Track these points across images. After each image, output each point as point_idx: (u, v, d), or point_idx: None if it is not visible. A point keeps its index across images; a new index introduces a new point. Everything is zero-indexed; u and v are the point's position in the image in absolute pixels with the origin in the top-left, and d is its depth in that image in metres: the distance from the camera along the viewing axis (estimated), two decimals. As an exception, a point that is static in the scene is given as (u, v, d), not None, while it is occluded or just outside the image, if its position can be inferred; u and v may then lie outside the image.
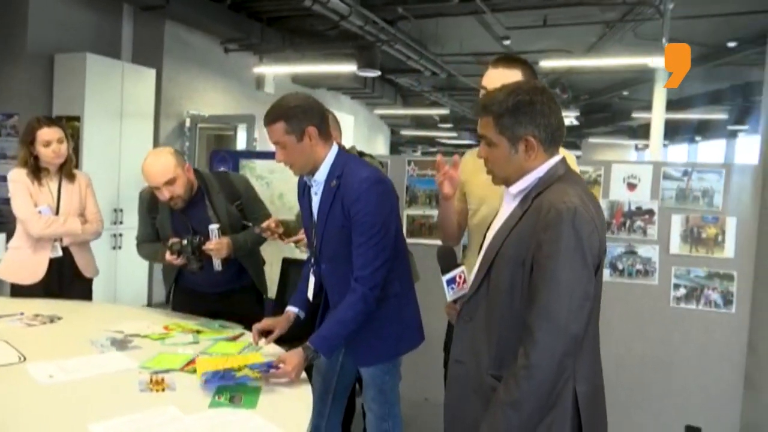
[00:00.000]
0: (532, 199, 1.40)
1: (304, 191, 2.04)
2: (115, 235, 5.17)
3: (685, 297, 2.93)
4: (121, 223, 5.24)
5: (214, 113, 6.86)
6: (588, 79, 11.16)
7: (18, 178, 2.73)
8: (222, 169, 3.89)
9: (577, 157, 2.17)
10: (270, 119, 1.85)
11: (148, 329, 2.22)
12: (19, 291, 2.71)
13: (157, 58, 5.96)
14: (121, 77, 5.38)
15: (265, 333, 1.99)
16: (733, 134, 13.21)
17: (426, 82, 10.31)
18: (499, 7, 6.28)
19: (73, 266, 2.80)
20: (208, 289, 2.51)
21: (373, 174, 1.88)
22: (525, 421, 1.31)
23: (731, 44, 8.06)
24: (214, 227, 2.32)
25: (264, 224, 2.34)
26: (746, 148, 13.26)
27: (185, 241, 2.30)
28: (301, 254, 2.70)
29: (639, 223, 3.00)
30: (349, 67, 7.25)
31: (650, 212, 2.99)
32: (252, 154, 4.66)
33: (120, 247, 5.24)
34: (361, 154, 2.58)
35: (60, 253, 2.76)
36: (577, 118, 12.21)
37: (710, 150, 15.40)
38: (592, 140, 16.06)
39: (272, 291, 2.86)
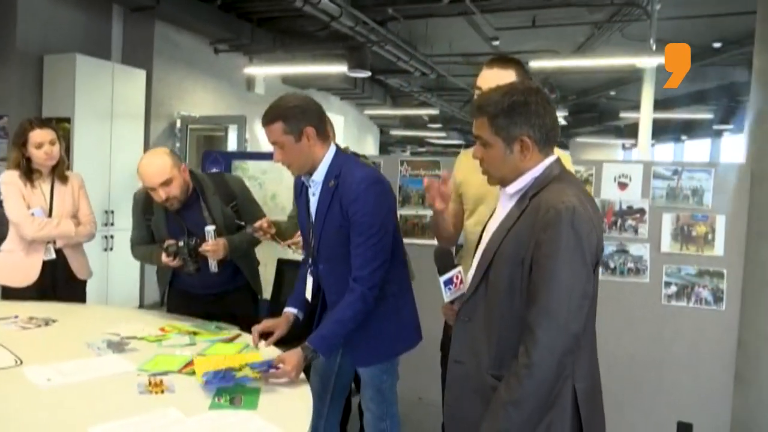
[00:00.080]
0: (530, 199, 1.41)
1: (301, 192, 2.04)
2: (106, 237, 5.14)
3: (676, 295, 2.97)
4: (112, 224, 5.22)
5: (204, 114, 6.84)
6: (576, 80, 11.25)
7: (10, 180, 2.71)
8: (214, 170, 3.88)
9: (567, 157, 2.19)
10: (268, 119, 1.85)
11: (144, 331, 2.21)
12: (12, 294, 2.69)
13: (147, 58, 5.93)
14: (111, 78, 5.35)
15: (265, 335, 1.99)
16: (719, 133, 13.38)
17: (415, 82, 10.34)
18: (488, 8, 6.32)
19: (66, 268, 2.78)
20: (203, 291, 2.51)
21: (371, 174, 1.89)
22: (526, 419, 1.33)
23: (716, 45, 8.16)
24: (210, 228, 2.32)
25: (256, 224, 2.34)
26: (731, 147, 13.44)
27: (181, 243, 2.29)
28: (294, 255, 2.71)
29: (630, 221, 3.04)
30: (339, 68, 7.25)
31: (641, 211, 3.03)
32: (244, 155, 4.66)
33: (111, 249, 5.21)
34: (354, 155, 2.59)
35: (53, 256, 2.74)
36: (565, 118, 12.30)
37: (696, 149, 15.58)
38: (579, 140, 16.18)
39: (267, 291, 2.86)
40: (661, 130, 13.41)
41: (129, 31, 5.92)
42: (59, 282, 2.76)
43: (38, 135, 2.71)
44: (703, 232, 2.92)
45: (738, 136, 12.24)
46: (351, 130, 11.89)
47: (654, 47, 6.52)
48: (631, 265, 3.03)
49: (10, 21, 4.83)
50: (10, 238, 2.76)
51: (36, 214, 2.70)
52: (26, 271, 2.71)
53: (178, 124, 6.45)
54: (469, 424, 1.45)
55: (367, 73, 7.49)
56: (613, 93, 12.01)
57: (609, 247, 3.02)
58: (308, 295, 2.05)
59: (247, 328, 2.27)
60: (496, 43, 7.92)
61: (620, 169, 3.11)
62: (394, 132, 16.41)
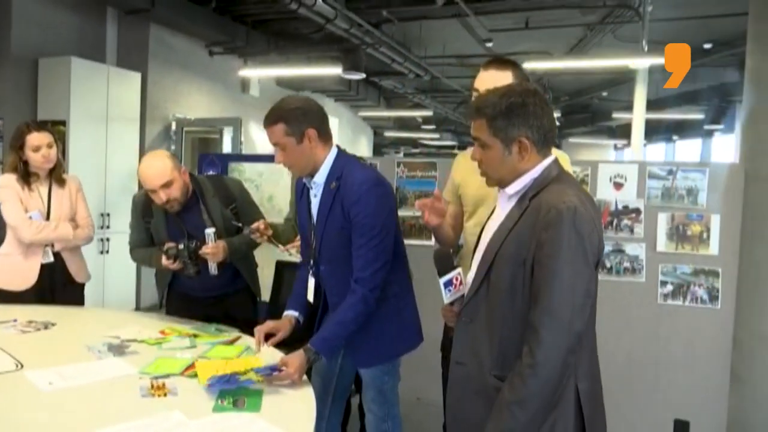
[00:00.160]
0: (530, 200, 1.41)
1: (302, 194, 2.04)
2: (102, 240, 5.13)
3: (671, 293, 2.99)
4: (108, 227, 5.22)
5: (199, 116, 6.83)
6: (568, 81, 11.32)
7: (8, 183, 2.70)
8: (211, 172, 3.89)
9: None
10: (270, 121, 1.86)
11: (143, 334, 2.21)
12: (10, 297, 2.68)
13: (142, 61, 5.92)
14: (107, 81, 5.34)
15: (267, 336, 1.99)
16: (709, 133, 13.48)
17: (410, 84, 10.37)
18: (481, 10, 6.34)
19: (65, 272, 2.77)
20: (203, 293, 2.51)
21: (373, 176, 1.90)
22: (531, 419, 1.33)
23: (707, 46, 8.23)
24: (210, 231, 2.32)
25: (253, 225, 2.34)
26: (722, 147, 13.54)
27: (181, 246, 2.30)
28: (292, 257, 2.71)
29: (626, 221, 3.06)
30: (333, 70, 7.26)
31: (637, 211, 3.05)
32: (241, 157, 4.66)
33: (107, 252, 5.21)
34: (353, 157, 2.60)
35: (51, 259, 2.73)
36: (557, 118, 12.35)
37: (687, 149, 15.69)
38: (572, 140, 16.26)
39: (265, 294, 2.86)
40: (653, 131, 13.52)
41: (124, 34, 5.91)
42: (57, 285, 2.75)
43: (35, 138, 2.70)
44: (698, 232, 2.95)
45: (728, 136, 12.35)
46: (345, 132, 11.90)
47: (646, 48, 6.58)
48: (627, 264, 3.05)
49: (4, 24, 4.81)
50: (7, 241, 2.75)
51: (34, 217, 2.69)
52: (24, 274, 2.70)
53: (174, 127, 6.43)
54: (471, 425, 1.46)
55: (362, 75, 7.50)
56: (605, 94, 12.09)
57: (605, 247, 3.04)
58: (310, 296, 2.05)
59: (246, 331, 2.28)
60: (490, 44, 7.96)
61: (616, 169, 3.13)
62: (388, 133, 16.43)
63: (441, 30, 7.60)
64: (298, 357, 1.77)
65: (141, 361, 1.91)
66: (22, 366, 1.84)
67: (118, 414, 1.52)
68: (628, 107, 9.89)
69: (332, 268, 1.95)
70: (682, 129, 14.39)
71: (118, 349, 2.04)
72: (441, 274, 1.62)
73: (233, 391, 1.65)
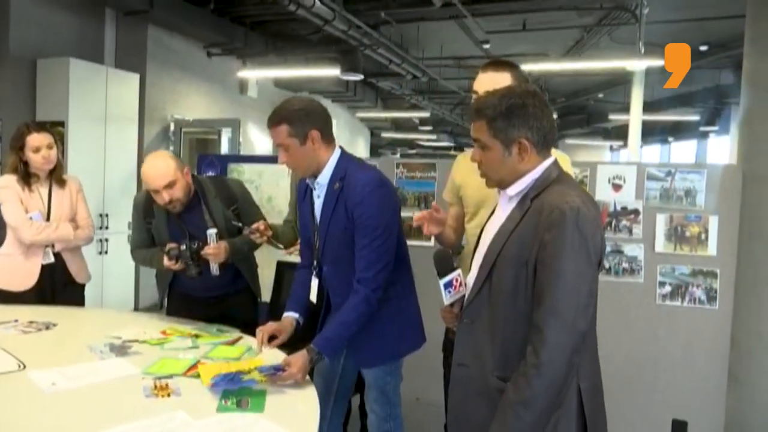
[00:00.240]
0: (531, 201, 1.42)
1: (305, 195, 2.05)
2: (101, 240, 5.11)
3: (670, 294, 3.00)
4: (106, 228, 5.21)
5: (197, 117, 6.83)
6: (564, 82, 11.37)
7: (8, 184, 2.70)
8: (210, 173, 3.88)
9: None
10: (274, 122, 1.87)
11: (145, 334, 2.21)
12: (10, 298, 2.67)
13: (141, 62, 5.91)
14: (105, 82, 5.33)
15: (269, 337, 2.00)
16: (704, 135, 13.55)
17: (407, 85, 10.41)
18: (479, 12, 6.37)
19: (65, 272, 2.78)
20: (204, 294, 2.51)
21: (376, 177, 1.91)
22: (536, 419, 1.33)
23: (703, 48, 8.28)
24: (212, 232, 2.32)
25: (253, 226, 2.34)
26: (716, 148, 13.62)
27: (183, 246, 2.30)
28: (292, 257, 2.72)
29: (625, 222, 3.07)
30: (331, 71, 7.27)
31: (635, 212, 3.06)
32: (240, 158, 4.66)
33: (106, 252, 5.19)
34: None
35: (52, 259, 2.73)
36: (554, 120, 12.40)
37: (682, 150, 15.77)
38: (568, 141, 16.31)
39: (265, 294, 2.86)
40: (649, 132, 13.57)
41: (122, 35, 5.90)
42: (58, 286, 2.75)
43: (36, 139, 2.70)
44: (697, 233, 2.96)
45: (723, 138, 12.43)
46: (343, 133, 11.92)
47: (642, 50, 6.61)
48: (625, 265, 3.07)
49: (3, 25, 4.79)
50: (8, 242, 2.75)
51: (34, 218, 2.70)
52: (25, 274, 2.70)
53: (172, 128, 6.43)
54: (474, 427, 1.46)
55: (360, 76, 7.52)
56: (601, 95, 12.15)
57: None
58: (313, 297, 2.06)
59: (247, 331, 2.28)
60: (487, 46, 7.99)
61: (614, 170, 3.14)
62: (385, 134, 16.46)
63: (438, 31, 7.62)
64: (301, 357, 1.77)
65: (143, 362, 1.91)
66: (24, 366, 1.84)
67: (122, 414, 1.52)
68: (624, 109, 9.95)
69: (335, 269, 1.96)
70: (677, 130, 14.46)
71: (120, 349, 2.04)
72: (441, 275, 1.61)
73: (237, 392, 1.65)
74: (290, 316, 2.04)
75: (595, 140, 16.28)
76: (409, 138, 17.69)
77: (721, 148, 13.01)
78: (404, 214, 3.46)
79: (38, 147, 2.70)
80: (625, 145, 12.32)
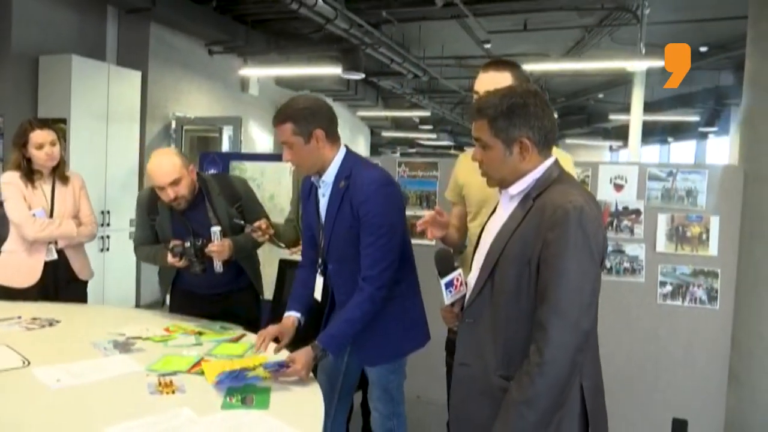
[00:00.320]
0: (533, 200, 1.42)
1: (309, 194, 2.05)
2: (102, 237, 5.12)
3: (671, 294, 3.02)
4: (108, 225, 5.21)
5: (199, 115, 6.83)
6: (565, 82, 11.38)
7: (11, 180, 2.71)
8: (212, 171, 3.89)
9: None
10: (279, 120, 1.88)
11: (148, 331, 2.22)
12: (13, 294, 2.68)
13: (143, 60, 5.91)
14: (107, 79, 5.33)
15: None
16: (703, 135, 13.56)
17: (408, 84, 10.41)
18: (480, 12, 6.37)
19: (68, 269, 2.78)
20: (208, 291, 2.52)
21: (382, 175, 1.91)
22: (540, 418, 1.32)
23: (703, 49, 8.29)
24: (216, 229, 2.33)
25: (255, 224, 2.35)
26: (716, 148, 13.64)
27: (188, 244, 2.30)
28: (294, 255, 2.72)
29: (626, 222, 3.09)
30: (333, 70, 7.27)
31: (637, 212, 3.08)
32: (242, 156, 4.65)
33: (107, 249, 5.20)
34: None
35: (55, 256, 2.74)
36: (554, 120, 12.40)
37: (681, 150, 15.79)
38: (568, 141, 16.33)
39: (268, 292, 2.87)
40: (648, 132, 13.56)
41: (124, 33, 5.90)
42: (61, 282, 2.76)
43: (39, 136, 2.70)
44: (698, 233, 2.97)
45: (722, 138, 12.45)
46: (343, 132, 11.67)
47: (643, 51, 6.62)
48: (627, 264, 3.08)
49: (5, 22, 4.79)
50: (11, 238, 2.75)
51: (37, 214, 2.70)
52: (28, 271, 2.70)
53: (173, 125, 6.43)
54: (476, 426, 1.46)
55: (361, 75, 7.52)
56: (601, 96, 12.16)
57: (605, 247, 3.06)
58: (317, 295, 2.06)
59: (249, 328, 2.29)
60: (488, 46, 7.99)
61: (616, 170, 3.15)
62: (385, 133, 16.47)
63: (440, 31, 7.63)
64: (305, 353, 1.78)
65: (147, 359, 1.91)
66: (29, 363, 1.84)
67: (127, 411, 1.53)
68: (624, 109, 9.96)
69: (340, 267, 1.96)
70: (676, 131, 14.48)
71: (124, 346, 2.05)
72: (442, 275, 1.61)
73: (241, 389, 1.66)
74: (292, 315, 2.03)
75: (595, 140, 16.30)
76: (409, 137, 17.69)
77: (720, 148, 13.03)
78: (406, 212, 3.51)
79: (41, 144, 2.70)
80: (625, 145, 12.33)
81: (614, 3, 6.37)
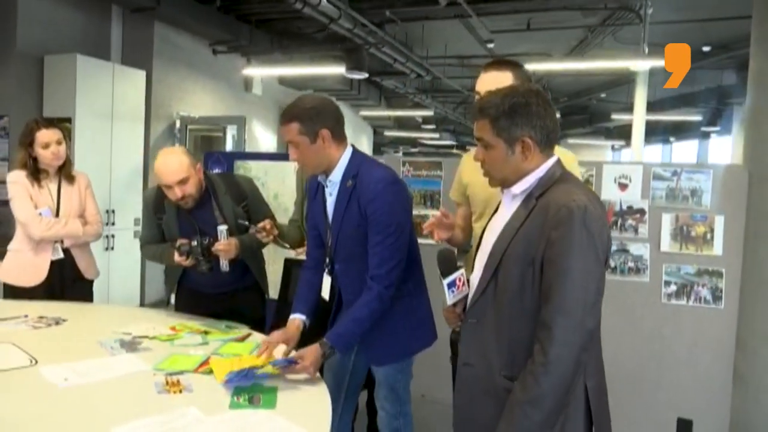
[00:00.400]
0: (536, 199, 1.42)
1: (316, 193, 2.05)
2: (107, 236, 5.14)
3: (675, 293, 3.01)
4: (113, 224, 5.23)
5: (203, 114, 6.84)
6: (567, 82, 11.36)
7: (17, 180, 2.71)
8: (217, 170, 3.90)
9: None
10: (285, 119, 1.88)
11: (155, 330, 2.22)
12: (20, 293, 2.69)
13: (147, 59, 5.92)
14: (112, 79, 5.34)
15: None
16: (706, 135, 13.54)
17: (411, 84, 10.41)
18: (483, 11, 6.37)
19: (74, 268, 2.79)
20: (213, 290, 2.52)
21: (389, 174, 1.91)
22: (544, 418, 1.32)
23: (706, 48, 8.28)
24: (222, 228, 2.33)
25: (260, 225, 2.35)
26: (718, 148, 13.62)
27: (194, 242, 2.31)
28: (299, 255, 2.73)
29: (630, 221, 3.08)
30: (336, 69, 7.27)
31: (641, 211, 3.07)
32: (247, 155, 4.66)
33: (112, 248, 5.22)
34: None
35: (61, 255, 2.75)
36: (556, 119, 12.40)
37: (683, 150, 15.75)
38: (571, 141, 16.32)
39: (273, 291, 2.87)
40: (650, 132, 13.56)
41: (129, 32, 5.91)
42: (67, 281, 2.77)
43: (45, 135, 2.71)
44: (702, 232, 2.97)
45: (725, 138, 12.42)
46: (346, 131, 11.86)
47: (646, 51, 6.61)
48: (631, 264, 3.08)
49: (10, 22, 4.81)
50: (17, 237, 2.76)
51: (43, 214, 2.71)
52: (34, 270, 2.71)
53: (178, 125, 6.44)
54: (480, 426, 1.46)
55: (365, 75, 7.52)
56: (603, 95, 12.14)
57: (609, 247, 3.06)
58: (325, 294, 2.06)
59: (255, 328, 2.29)
60: (491, 45, 7.99)
61: (620, 170, 3.15)
62: (388, 133, 16.47)
63: (443, 30, 7.63)
64: (313, 350, 1.78)
65: (154, 358, 1.92)
66: (36, 362, 1.85)
67: (135, 410, 1.53)
68: (627, 109, 9.95)
69: (348, 266, 1.96)
70: (679, 130, 14.46)
71: (131, 345, 2.05)
72: (444, 275, 1.60)
73: (248, 388, 1.66)
74: (297, 318, 2.02)
75: (597, 140, 16.29)
76: (411, 136, 17.69)
77: (723, 148, 13.00)
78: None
79: (47, 143, 2.71)
80: (627, 144, 12.32)
81: (617, 3, 6.36)
